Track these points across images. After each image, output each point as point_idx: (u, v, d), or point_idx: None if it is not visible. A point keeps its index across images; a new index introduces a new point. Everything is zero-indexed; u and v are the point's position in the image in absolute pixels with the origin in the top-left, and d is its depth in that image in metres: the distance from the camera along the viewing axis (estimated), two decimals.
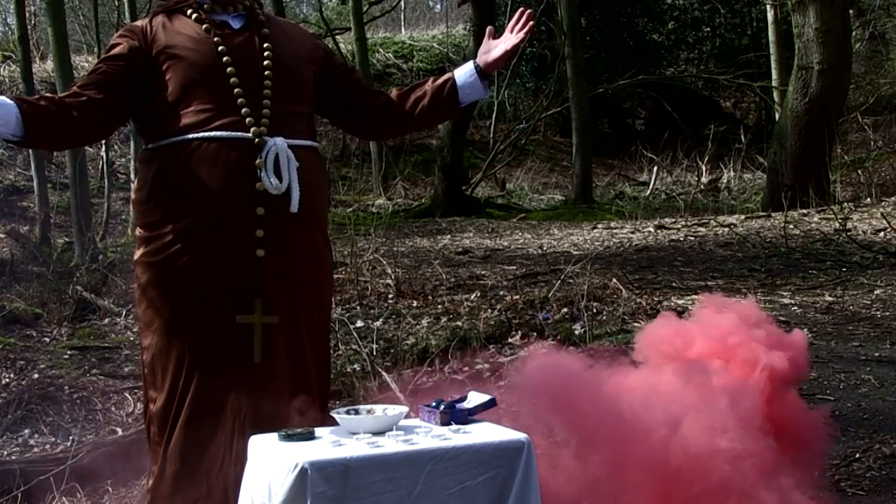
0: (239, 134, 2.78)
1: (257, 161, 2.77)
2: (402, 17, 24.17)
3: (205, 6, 2.94)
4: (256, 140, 2.78)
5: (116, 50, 2.86)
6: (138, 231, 2.89)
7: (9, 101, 2.60)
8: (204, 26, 2.89)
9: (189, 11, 2.93)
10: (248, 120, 2.79)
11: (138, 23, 2.96)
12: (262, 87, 2.84)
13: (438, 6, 27.88)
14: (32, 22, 17.12)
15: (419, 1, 28.34)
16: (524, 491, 2.32)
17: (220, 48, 2.85)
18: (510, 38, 3.02)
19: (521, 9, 3.06)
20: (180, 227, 2.77)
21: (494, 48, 3.05)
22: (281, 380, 2.79)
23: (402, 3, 22.37)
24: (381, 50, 19.45)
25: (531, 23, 3.01)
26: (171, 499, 2.79)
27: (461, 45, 18.56)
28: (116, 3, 14.67)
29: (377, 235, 8.46)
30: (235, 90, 2.81)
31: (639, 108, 19.65)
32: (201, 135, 2.77)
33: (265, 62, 2.88)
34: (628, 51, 17.71)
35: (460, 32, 20.27)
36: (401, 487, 2.24)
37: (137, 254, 2.87)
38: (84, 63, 15.72)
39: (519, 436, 2.38)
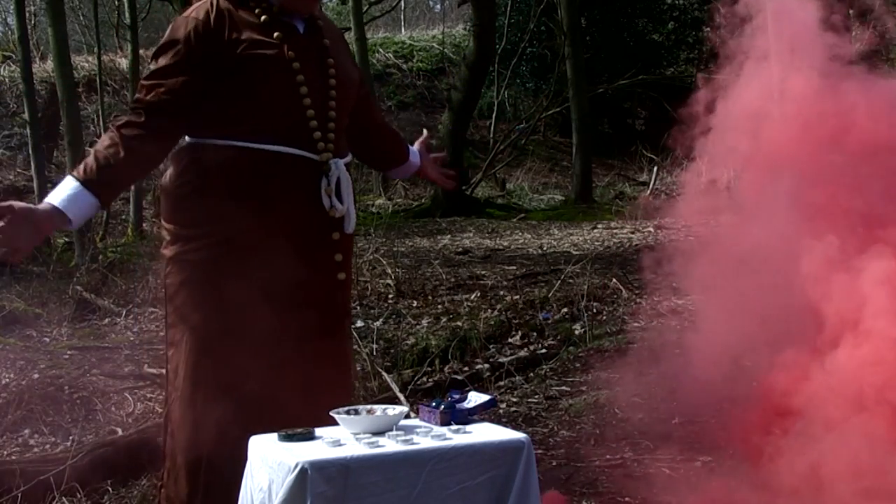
0: (308, 154, 2.73)
1: (326, 188, 2.75)
2: (402, 17, 24.17)
3: (274, 7, 2.77)
4: (325, 164, 2.75)
5: (177, 57, 2.66)
6: (171, 226, 2.79)
7: (83, 190, 2.55)
8: (276, 34, 2.72)
9: (257, 11, 2.75)
10: (319, 144, 2.74)
11: (200, 13, 2.71)
12: (328, 107, 2.78)
13: (438, 6, 27.89)
14: (32, 22, 17.11)
15: (419, 1, 28.35)
16: (524, 491, 2.32)
17: (294, 63, 2.72)
18: (433, 173, 3.39)
19: (427, 137, 3.38)
20: (235, 233, 2.70)
21: (430, 165, 3.38)
22: (335, 399, 2.77)
23: (402, 3, 22.38)
24: (381, 50, 19.43)
25: (441, 156, 3.47)
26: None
27: (461, 45, 18.56)
28: (116, 3, 14.67)
29: (377, 235, 8.46)
30: (308, 111, 2.73)
31: (639, 108, 19.63)
32: (273, 147, 2.70)
33: (331, 80, 2.80)
34: (628, 51, 17.70)
35: (460, 32, 20.26)
36: (401, 487, 2.24)
37: (171, 250, 2.77)
38: (84, 63, 15.71)
39: (519, 436, 2.38)
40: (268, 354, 2.71)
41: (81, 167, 2.59)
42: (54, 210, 2.52)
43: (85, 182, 2.55)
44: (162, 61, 2.69)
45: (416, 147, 3.34)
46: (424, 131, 3.39)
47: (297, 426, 2.45)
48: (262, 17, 2.74)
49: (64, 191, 2.55)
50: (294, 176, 2.73)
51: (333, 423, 2.49)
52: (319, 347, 2.78)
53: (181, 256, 2.76)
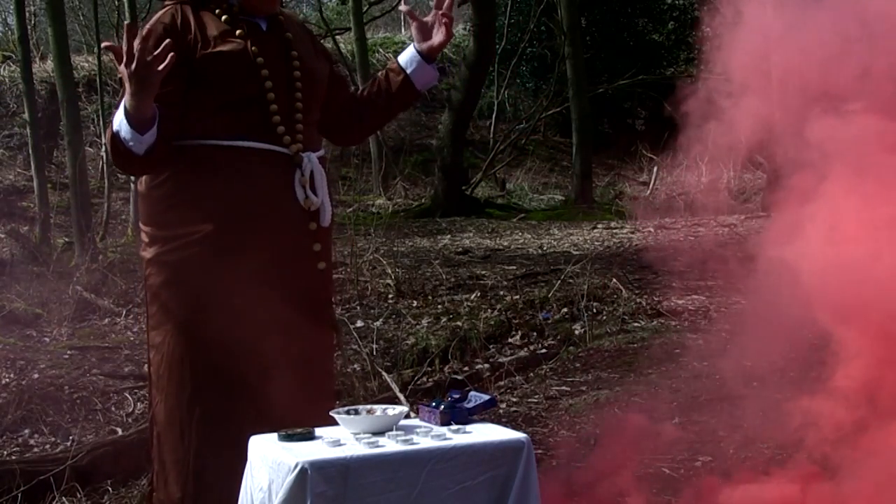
0: (278, 148, 2.74)
1: (301, 178, 2.75)
2: (403, 17, 24.16)
3: (234, 7, 2.80)
4: (295, 157, 2.76)
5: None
6: (149, 229, 2.80)
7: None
8: (238, 31, 2.76)
9: (217, 11, 2.79)
10: (285, 138, 2.75)
11: (166, 18, 2.74)
12: (294, 98, 2.80)
13: None
14: (32, 22, 17.11)
15: (419, 1, 28.34)
16: (524, 491, 2.32)
17: (258, 59, 2.75)
18: (441, 23, 2.94)
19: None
20: (212, 231, 2.70)
21: (429, 32, 2.98)
22: (318, 387, 2.80)
23: (402, 3, 22.37)
24: (381, 50, 19.43)
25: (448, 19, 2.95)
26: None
27: (461, 44, 18.55)
28: (116, 3, 14.67)
29: (377, 235, 8.46)
30: (272, 105, 2.75)
31: (639, 108, 19.63)
32: (241, 143, 2.71)
33: (295, 72, 2.81)
34: (628, 51, 17.70)
35: (460, 32, 20.24)
36: (401, 487, 2.24)
37: (150, 252, 2.78)
38: (84, 63, 15.70)
39: (519, 436, 2.38)
40: (253, 351, 2.72)
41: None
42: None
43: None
44: None
45: (416, 33, 3.01)
46: (402, 9, 3.02)
47: (288, 423, 2.45)
48: (223, 18, 2.77)
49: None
50: (266, 170, 2.74)
51: (325, 419, 2.49)
52: (305, 339, 2.78)
53: (160, 258, 2.77)
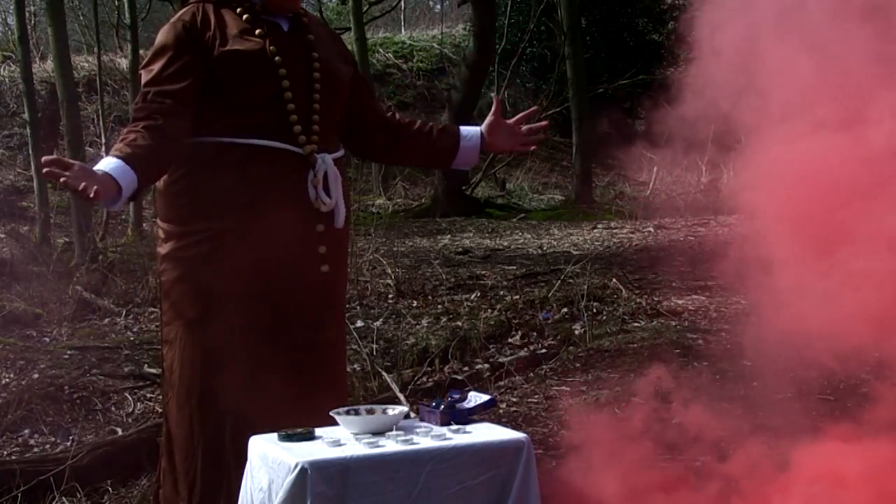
0: (292, 148, 2.76)
1: (312, 179, 2.76)
2: (402, 17, 24.15)
3: (257, 6, 2.82)
4: (309, 157, 2.77)
5: (176, 62, 2.68)
6: (165, 225, 2.82)
7: (124, 165, 2.48)
8: (258, 31, 2.78)
9: (239, 10, 2.80)
10: (301, 138, 2.77)
11: (186, 15, 2.76)
12: (313, 100, 2.81)
13: (438, 6, 27.87)
14: (32, 22, 17.11)
15: (419, 1, 28.33)
16: (524, 491, 2.32)
17: (276, 58, 2.76)
18: (521, 140, 3.14)
19: (534, 110, 3.18)
20: (221, 228, 2.71)
21: (505, 134, 3.11)
22: (326, 391, 2.79)
23: (402, 3, 22.36)
24: (381, 50, 19.42)
25: (544, 124, 3.14)
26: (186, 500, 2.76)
27: (461, 45, 18.56)
28: (116, 3, 14.67)
29: (377, 235, 8.45)
30: (289, 105, 2.76)
31: (639, 108, 19.63)
32: (256, 141, 2.72)
33: (315, 73, 2.82)
34: (628, 51, 17.70)
35: (460, 32, 20.25)
36: (401, 487, 2.24)
37: (165, 248, 2.80)
38: (84, 63, 15.70)
39: (519, 436, 2.38)
40: (263, 349, 2.71)
41: (115, 150, 2.54)
42: (108, 175, 2.44)
43: (126, 158, 2.50)
44: (159, 67, 2.70)
45: (490, 122, 3.10)
46: (493, 96, 3.15)
47: (294, 424, 2.45)
48: (245, 17, 2.78)
49: (108, 163, 2.48)
50: (279, 169, 2.75)
51: (331, 419, 2.49)
52: (310, 340, 2.79)
53: (175, 254, 2.78)
